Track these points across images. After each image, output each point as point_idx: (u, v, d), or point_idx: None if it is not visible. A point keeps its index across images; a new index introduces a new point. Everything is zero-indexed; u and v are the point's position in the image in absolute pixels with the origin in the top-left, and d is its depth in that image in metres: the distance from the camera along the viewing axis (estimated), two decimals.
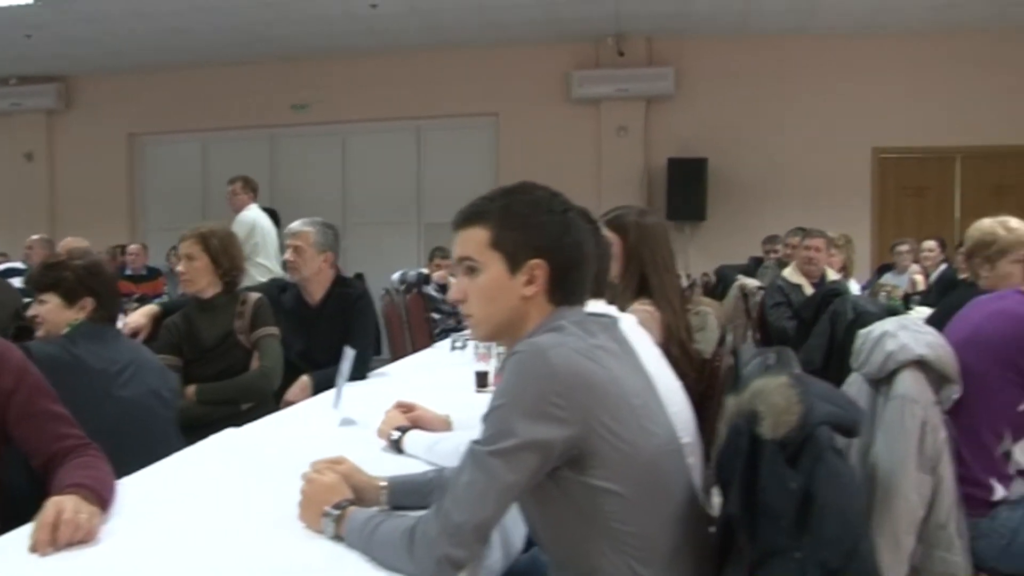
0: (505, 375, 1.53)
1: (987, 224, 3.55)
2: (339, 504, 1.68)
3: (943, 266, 7.52)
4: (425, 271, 7.30)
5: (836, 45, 9.93)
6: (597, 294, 2.38)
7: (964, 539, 2.42)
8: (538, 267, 1.64)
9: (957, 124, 9.89)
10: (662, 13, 9.31)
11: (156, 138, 11.82)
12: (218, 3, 8.69)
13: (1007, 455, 2.46)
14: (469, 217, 1.69)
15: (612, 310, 2.35)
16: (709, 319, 3.52)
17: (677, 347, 2.81)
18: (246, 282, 7.12)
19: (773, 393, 1.46)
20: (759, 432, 1.44)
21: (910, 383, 2.37)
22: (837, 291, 4.81)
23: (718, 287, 7.70)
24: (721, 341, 3.13)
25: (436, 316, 7.06)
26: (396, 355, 5.63)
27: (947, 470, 2.37)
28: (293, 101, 11.08)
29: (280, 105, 11.10)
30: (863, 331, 2.60)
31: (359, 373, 3.74)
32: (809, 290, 5.56)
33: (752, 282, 6.19)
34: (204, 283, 3.56)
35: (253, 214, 7.11)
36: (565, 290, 1.66)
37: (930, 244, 7.68)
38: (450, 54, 10.47)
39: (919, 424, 2.33)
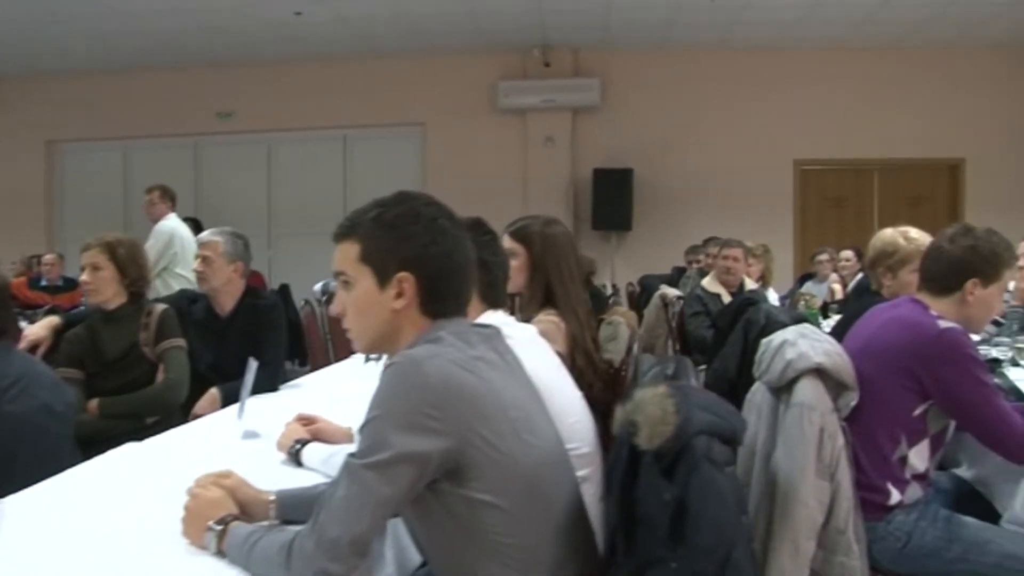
0: (380, 387, 1.51)
1: (888, 234, 3.64)
2: (222, 519, 1.65)
3: (860, 275, 7.67)
4: None
5: (757, 59, 10.14)
6: (494, 304, 2.38)
7: (862, 543, 2.46)
8: (405, 280, 1.63)
9: (874, 138, 10.19)
10: (588, 25, 9.39)
11: (75, 145, 11.57)
12: (137, 8, 8.52)
13: (903, 460, 2.50)
14: (343, 231, 1.69)
15: (507, 320, 2.35)
16: (620, 328, 3.52)
17: (583, 357, 2.81)
18: (164, 293, 7.03)
19: (650, 404, 1.46)
20: (637, 443, 1.44)
21: (809, 391, 2.40)
22: (752, 300, 4.85)
23: (642, 297, 7.75)
24: (629, 350, 3.14)
25: None
26: (316, 366, 5.57)
27: (845, 476, 2.40)
28: (218, 109, 10.96)
29: (204, 113, 10.96)
30: (765, 340, 2.64)
31: (270, 385, 3.68)
32: (728, 299, 5.61)
33: (673, 292, 6.23)
34: (110, 293, 3.47)
35: (172, 224, 6.98)
36: (438, 301, 1.65)
37: (847, 254, 7.82)
38: (376, 63, 10.44)
39: (817, 431, 2.36)
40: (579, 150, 10.37)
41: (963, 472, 2.91)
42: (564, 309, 2.86)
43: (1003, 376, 3.23)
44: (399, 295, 1.63)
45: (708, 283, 5.79)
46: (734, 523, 1.38)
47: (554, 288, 2.89)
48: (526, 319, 2.88)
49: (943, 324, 2.45)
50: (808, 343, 2.45)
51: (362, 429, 1.50)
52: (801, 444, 2.37)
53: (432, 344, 1.57)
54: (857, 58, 10.05)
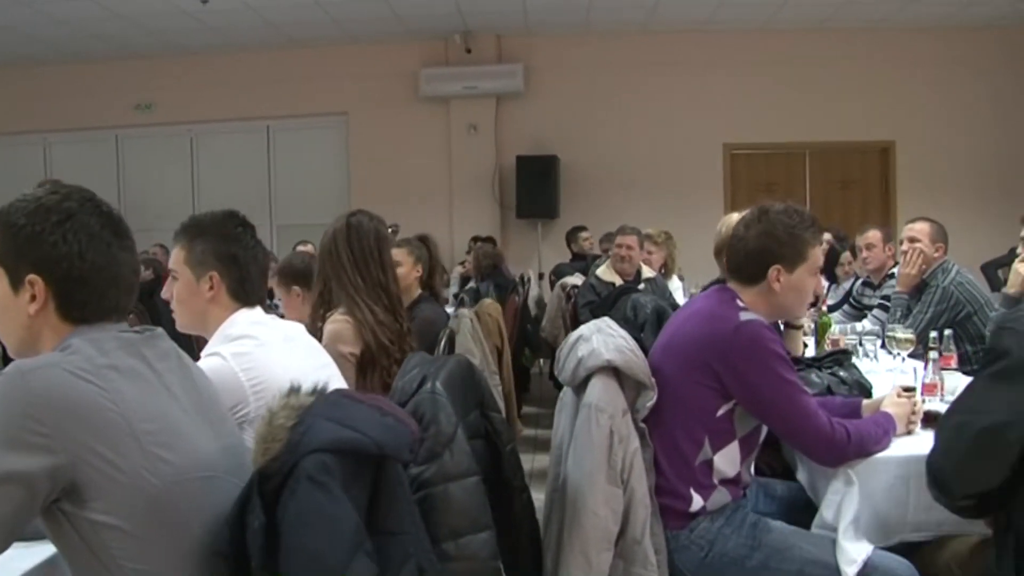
0: None
1: (733, 220, 3.47)
2: None
3: None
4: None
5: (683, 41, 9.98)
6: (247, 301, 2.22)
7: (662, 553, 2.31)
8: (35, 283, 1.50)
9: (805, 121, 10.05)
10: (507, 10, 9.18)
11: None
12: None
13: (708, 464, 2.33)
14: None
15: (260, 318, 2.19)
16: (464, 322, 3.38)
17: (373, 340, 2.73)
18: None
19: (263, 419, 1.30)
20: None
21: (599, 390, 2.25)
22: (629, 289, 4.72)
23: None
24: (440, 344, 3.04)
25: None
26: None
27: (641, 482, 2.25)
28: (136, 101, 10.66)
29: (123, 105, 10.64)
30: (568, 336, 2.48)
31: None
32: None
33: (573, 280, 6.08)
34: None
35: None
36: (76, 306, 1.52)
37: None
38: (296, 52, 10.18)
39: (607, 434, 2.21)
40: (503, 137, 10.15)
41: (799, 476, 2.75)
42: (346, 303, 2.80)
43: (852, 368, 3.07)
44: (33, 298, 1.50)
45: (603, 272, 5.64)
46: (340, 556, 1.20)
47: (330, 282, 2.83)
48: (312, 315, 2.86)
49: (744, 317, 2.30)
50: (602, 339, 2.31)
51: None
52: (590, 448, 2.22)
53: (59, 352, 1.43)
54: (784, 40, 9.90)
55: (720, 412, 2.31)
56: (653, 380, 2.30)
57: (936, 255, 4.38)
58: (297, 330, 2.31)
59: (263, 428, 1.30)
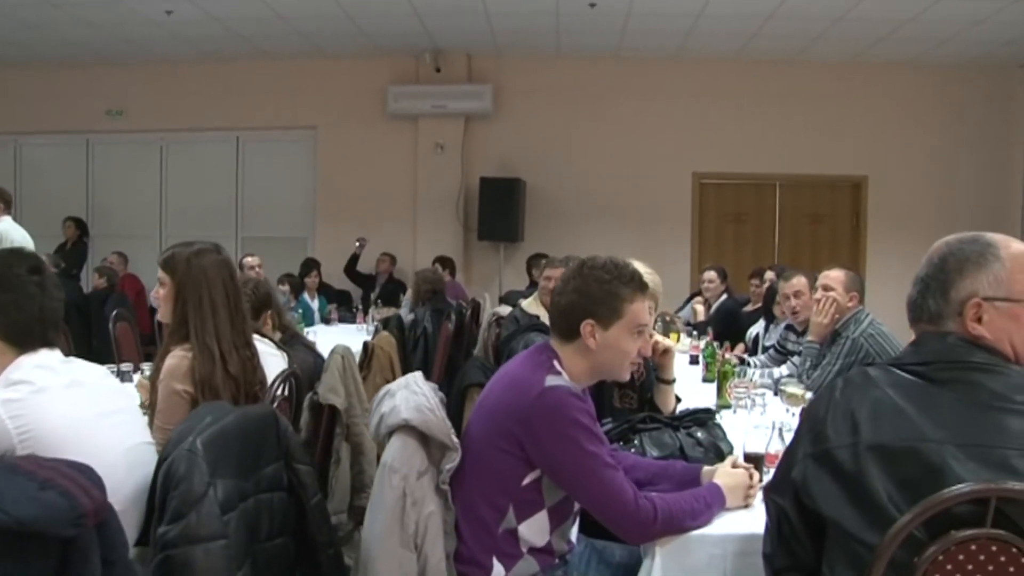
0: None
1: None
2: None
3: (723, 296, 7.47)
4: None
5: (653, 68, 9.96)
6: (30, 346, 2.14)
7: None
8: None
9: (777, 153, 9.98)
10: (474, 31, 9.12)
11: None
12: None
13: (513, 533, 2.23)
14: None
15: (42, 362, 2.11)
16: (334, 359, 3.31)
17: (210, 394, 2.60)
18: None
19: None
20: None
21: (395, 450, 2.18)
22: (537, 326, 4.62)
23: None
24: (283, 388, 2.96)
25: None
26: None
27: (435, 548, 2.17)
28: (108, 106, 10.65)
29: (95, 110, 10.65)
30: None
31: None
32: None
33: (503, 310, 5.97)
34: None
35: (3, 226, 6.68)
36: None
37: (710, 275, 7.60)
38: (267, 65, 10.17)
39: (399, 495, 2.14)
40: (470, 158, 10.09)
41: None
42: (197, 341, 2.68)
43: (714, 428, 2.94)
44: None
45: (528, 304, 5.52)
46: None
47: (190, 319, 2.70)
48: (165, 350, 2.74)
49: (550, 382, 2.18)
50: (405, 396, 2.22)
51: None
52: (382, 509, 2.15)
53: None
54: (757, 70, 9.85)
55: (526, 481, 2.21)
56: (456, 441, 2.21)
57: (849, 304, 4.27)
58: (91, 375, 2.21)
59: None
